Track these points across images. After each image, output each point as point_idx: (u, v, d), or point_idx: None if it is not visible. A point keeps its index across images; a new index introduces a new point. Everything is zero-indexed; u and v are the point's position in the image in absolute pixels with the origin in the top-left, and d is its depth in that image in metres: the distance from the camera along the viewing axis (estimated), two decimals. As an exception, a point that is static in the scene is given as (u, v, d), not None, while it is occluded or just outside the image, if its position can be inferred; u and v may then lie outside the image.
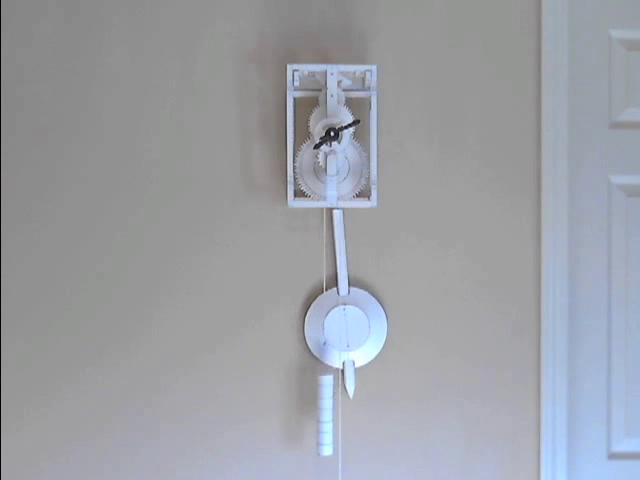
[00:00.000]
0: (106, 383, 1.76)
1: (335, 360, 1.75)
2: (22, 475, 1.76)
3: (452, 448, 1.80)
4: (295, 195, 1.68)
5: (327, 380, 1.69)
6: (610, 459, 1.84)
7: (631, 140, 1.82)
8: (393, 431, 1.79)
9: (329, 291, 1.75)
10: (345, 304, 1.75)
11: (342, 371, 1.75)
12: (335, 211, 1.72)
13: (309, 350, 1.76)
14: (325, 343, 1.75)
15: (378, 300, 1.77)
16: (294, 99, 1.67)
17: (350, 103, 1.67)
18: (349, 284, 1.76)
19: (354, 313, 1.75)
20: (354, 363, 1.75)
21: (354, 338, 1.75)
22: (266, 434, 1.78)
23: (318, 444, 1.70)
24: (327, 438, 1.69)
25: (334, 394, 1.72)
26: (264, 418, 1.77)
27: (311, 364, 1.77)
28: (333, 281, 1.76)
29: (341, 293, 1.75)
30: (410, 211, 1.78)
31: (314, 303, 1.76)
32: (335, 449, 1.72)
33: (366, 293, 1.76)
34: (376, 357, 1.77)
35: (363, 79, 1.68)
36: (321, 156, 1.64)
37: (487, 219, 1.79)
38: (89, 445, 1.76)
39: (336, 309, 1.75)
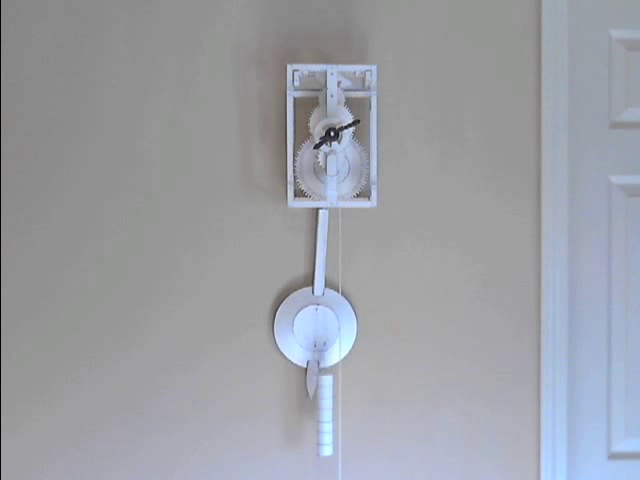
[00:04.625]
0: (106, 383, 1.76)
1: (302, 359, 1.75)
2: (22, 475, 1.76)
3: (452, 448, 1.80)
4: (295, 195, 1.69)
5: (327, 380, 1.69)
6: (610, 459, 1.84)
7: (631, 140, 1.82)
8: (393, 431, 1.79)
9: (302, 290, 1.75)
10: (318, 304, 1.75)
11: (305, 370, 1.74)
12: (321, 211, 1.71)
13: (278, 348, 1.76)
14: (325, 344, 1.75)
15: (350, 302, 1.76)
16: (294, 99, 1.67)
17: (350, 103, 1.67)
18: (340, 284, 1.75)
19: (326, 314, 1.74)
20: (318, 364, 1.74)
21: (323, 339, 1.74)
22: (266, 434, 1.78)
23: (318, 444, 1.70)
24: (327, 438, 1.69)
25: (334, 394, 1.72)
26: (264, 418, 1.77)
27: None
28: (332, 280, 1.76)
29: (316, 293, 1.75)
30: (410, 211, 1.78)
31: (286, 301, 1.75)
32: (335, 449, 1.72)
33: (337, 294, 1.75)
34: (375, 357, 1.77)
35: (363, 79, 1.68)
36: (321, 156, 1.64)
37: (487, 219, 1.79)
38: (88, 445, 1.76)
39: (308, 308, 1.74)
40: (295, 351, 1.75)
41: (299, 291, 1.75)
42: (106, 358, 1.76)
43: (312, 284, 1.75)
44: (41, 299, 1.75)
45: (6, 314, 1.75)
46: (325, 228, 1.72)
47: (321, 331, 1.74)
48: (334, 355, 1.75)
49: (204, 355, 1.77)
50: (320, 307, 1.74)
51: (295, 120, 1.67)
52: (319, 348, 1.74)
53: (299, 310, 1.74)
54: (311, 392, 1.72)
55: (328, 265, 1.75)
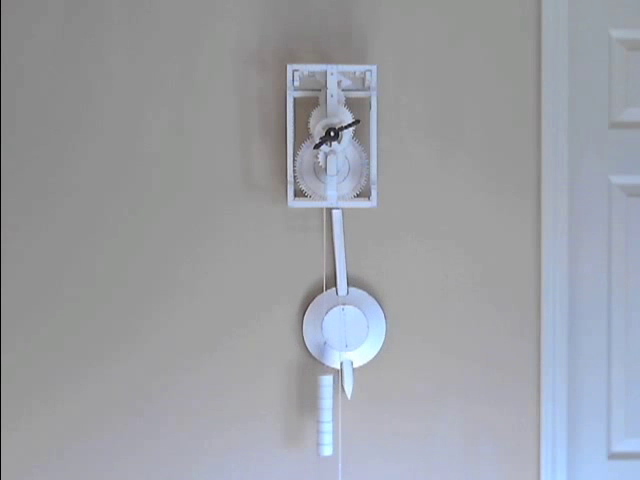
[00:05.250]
0: (106, 383, 1.76)
1: (334, 360, 1.75)
2: (22, 475, 1.76)
3: (452, 448, 1.80)
4: (295, 195, 1.69)
5: (327, 380, 1.69)
6: (610, 459, 1.84)
7: (631, 140, 1.82)
8: (393, 431, 1.79)
9: (328, 291, 1.75)
10: (344, 304, 1.75)
11: (340, 371, 1.74)
12: (334, 211, 1.71)
13: (307, 350, 1.76)
14: (325, 343, 1.75)
15: (377, 300, 1.77)
16: (294, 99, 1.67)
17: (350, 103, 1.67)
18: (348, 284, 1.76)
19: (353, 313, 1.75)
20: (352, 363, 1.74)
21: (352, 338, 1.74)
22: (266, 434, 1.78)
23: (318, 444, 1.70)
24: (327, 438, 1.69)
25: (334, 394, 1.72)
26: (264, 418, 1.77)
27: (310, 364, 1.77)
28: (333, 281, 1.76)
29: (340, 293, 1.75)
30: (410, 211, 1.78)
31: (313, 303, 1.76)
32: (335, 449, 1.72)
33: (365, 293, 1.76)
34: (375, 357, 1.77)
35: (363, 79, 1.68)
36: (321, 156, 1.64)
37: (487, 219, 1.79)
38: (89, 445, 1.76)
39: (335, 309, 1.75)
40: (323, 350, 1.75)
41: (327, 292, 1.75)
42: (106, 358, 1.76)
43: (332, 284, 1.75)
44: (41, 299, 1.75)
45: (6, 314, 1.75)
46: (340, 228, 1.72)
47: (349, 330, 1.74)
48: (363, 354, 1.75)
49: (202, 356, 1.77)
50: (347, 307, 1.75)
51: (295, 120, 1.67)
52: (349, 348, 1.74)
53: (327, 311, 1.74)
54: (349, 392, 1.72)
55: (328, 265, 1.75)
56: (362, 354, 1.76)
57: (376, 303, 1.76)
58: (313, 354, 1.76)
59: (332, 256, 1.75)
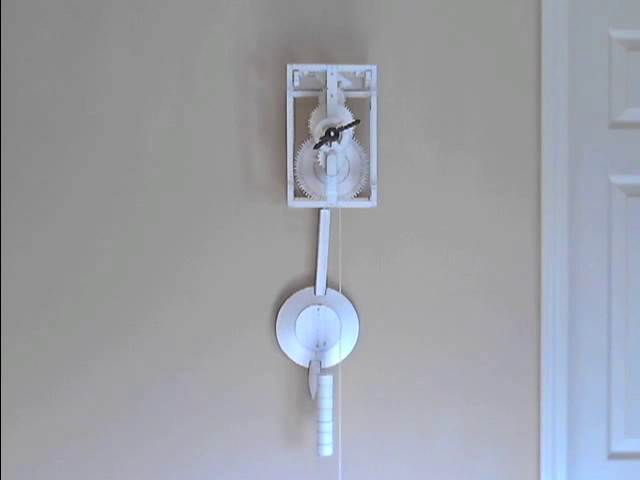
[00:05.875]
0: (105, 383, 1.76)
1: (304, 359, 1.75)
2: (22, 475, 1.76)
3: (452, 448, 1.80)
4: (295, 195, 1.68)
5: (327, 380, 1.69)
6: (610, 459, 1.84)
7: (631, 140, 1.82)
8: (393, 431, 1.79)
9: (303, 290, 1.75)
10: (320, 304, 1.75)
11: (308, 371, 1.74)
12: (323, 211, 1.70)
13: (280, 348, 1.76)
14: (325, 343, 1.75)
15: (351, 301, 1.76)
16: (294, 99, 1.67)
17: (350, 103, 1.67)
18: (340, 284, 1.75)
19: (327, 314, 1.74)
20: (320, 364, 1.74)
21: (325, 339, 1.74)
22: (266, 434, 1.78)
23: (318, 444, 1.70)
24: (327, 438, 1.69)
25: (334, 394, 1.72)
26: (264, 418, 1.77)
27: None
28: (332, 280, 1.76)
29: (318, 293, 1.75)
30: (410, 211, 1.78)
31: (287, 301, 1.75)
32: (335, 449, 1.72)
33: (340, 294, 1.75)
34: (375, 357, 1.77)
35: (363, 79, 1.68)
36: (321, 156, 1.64)
37: (487, 219, 1.79)
38: (88, 445, 1.76)
39: (309, 309, 1.74)
40: (297, 351, 1.75)
41: (301, 291, 1.75)
42: (106, 358, 1.76)
43: (314, 284, 1.75)
44: (41, 299, 1.75)
45: (6, 313, 1.75)
46: (327, 228, 1.72)
47: (323, 331, 1.74)
48: (335, 355, 1.75)
49: (203, 355, 1.77)
50: (322, 307, 1.74)
51: (295, 120, 1.67)
52: (321, 348, 1.74)
53: (301, 310, 1.74)
54: (313, 392, 1.72)
55: (328, 265, 1.75)
56: (334, 355, 1.75)
57: (350, 304, 1.76)
58: (284, 351, 1.75)
59: (331, 256, 1.75)
